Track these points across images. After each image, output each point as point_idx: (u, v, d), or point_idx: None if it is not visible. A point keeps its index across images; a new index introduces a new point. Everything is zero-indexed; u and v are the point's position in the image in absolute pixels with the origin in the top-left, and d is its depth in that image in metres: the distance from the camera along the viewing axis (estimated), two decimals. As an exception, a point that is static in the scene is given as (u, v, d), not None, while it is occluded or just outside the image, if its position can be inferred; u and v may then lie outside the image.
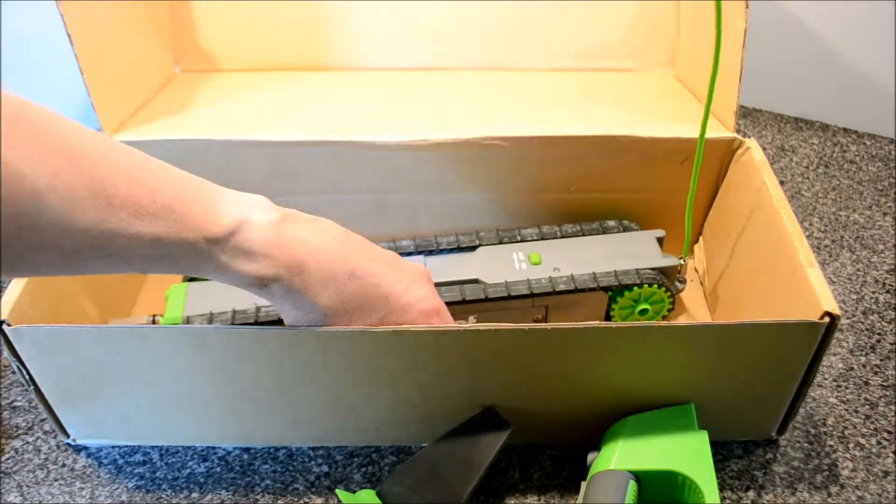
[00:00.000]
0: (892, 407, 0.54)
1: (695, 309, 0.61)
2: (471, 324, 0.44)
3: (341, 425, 0.50)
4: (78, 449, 0.52)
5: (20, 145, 0.28)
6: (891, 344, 0.59)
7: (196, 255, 0.35)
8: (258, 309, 0.52)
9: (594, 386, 0.47)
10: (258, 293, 0.38)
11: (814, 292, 0.43)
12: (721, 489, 0.49)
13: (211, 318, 0.51)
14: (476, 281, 0.55)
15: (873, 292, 0.63)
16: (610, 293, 0.55)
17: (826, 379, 0.56)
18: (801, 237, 0.48)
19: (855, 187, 0.75)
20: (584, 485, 0.45)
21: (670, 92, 0.66)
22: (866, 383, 0.56)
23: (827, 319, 0.42)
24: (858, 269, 0.66)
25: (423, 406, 0.47)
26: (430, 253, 0.58)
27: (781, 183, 0.75)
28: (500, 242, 0.58)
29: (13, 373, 0.57)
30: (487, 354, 0.44)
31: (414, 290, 0.42)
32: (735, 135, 0.57)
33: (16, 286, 0.45)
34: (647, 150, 0.58)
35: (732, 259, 0.57)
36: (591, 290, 0.54)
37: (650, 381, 0.46)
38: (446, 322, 0.45)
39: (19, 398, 0.55)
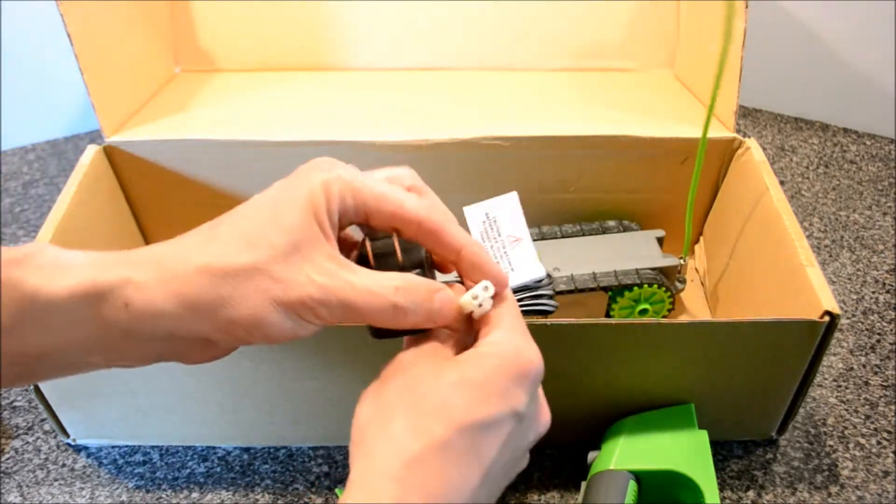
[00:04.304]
0: (892, 407, 0.54)
1: (695, 309, 0.61)
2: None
3: (341, 425, 0.50)
4: (78, 449, 0.52)
5: None
6: (891, 344, 0.59)
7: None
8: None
9: (594, 385, 0.47)
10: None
11: (814, 292, 0.43)
12: (721, 489, 0.49)
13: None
14: (476, 281, 0.55)
15: (873, 292, 0.63)
16: (610, 293, 0.55)
17: (826, 379, 0.56)
18: (801, 237, 0.48)
19: (855, 187, 0.75)
20: (584, 485, 0.45)
21: (670, 92, 0.66)
22: (866, 383, 0.56)
23: (827, 318, 0.42)
24: (858, 269, 0.66)
25: (423, 406, 0.47)
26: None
27: (781, 183, 0.75)
28: (500, 242, 0.58)
29: (13, 373, 0.57)
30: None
31: None
32: (735, 135, 0.57)
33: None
34: (647, 150, 0.58)
35: (732, 259, 0.57)
36: (591, 290, 0.54)
37: (650, 380, 0.46)
38: None
39: (19, 398, 0.55)
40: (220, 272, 0.28)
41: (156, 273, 0.28)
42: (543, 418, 0.32)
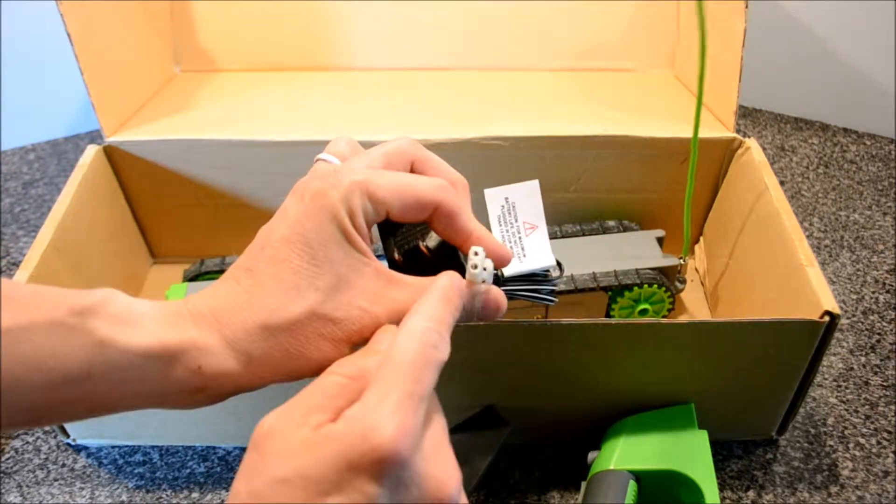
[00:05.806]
0: (892, 407, 0.54)
1: (695, 309, 0.61)
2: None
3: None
4: (78, 449, 0.52)
5: None
6: (891, 344, 0.59)
7: (63, 335, 0.26)
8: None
9: (594, 385, 0.47)
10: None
11: (814, 291, 0.43)
12: (721, 489, 0.49)
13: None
14: (476, 281, 0.55)
15: (873, 292, 0.63)
16: (610, 293, 0.55)
17: (826, 379, 0.56)
18: (801, 237, 0.48)
19: (855, 187, 0.75)
20: (584, 485, 0.45)
21: (670, 92, 0.66)
22: (866, 383, 0.56)
23: (827, 318, 0.42)
24: (858, 269, 0.66)
25: (423, 406, 0.47)
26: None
27: (781, 183, 0.75)
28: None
29: (13, 373, 0.57)
30: (486, 352, 0.44)
31: None
32: (735, 135, 0.57)
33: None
34: (647, 150, 0.58)
35: (732, 259, 0.57)
36: (591, 290, 0.54)
37: (650, 380, 0.46)
38: None
39: (19, 398, 0.55)
40: (279, 328, 0.28)
41: (219, 334, 0.28)
42: (436, 494, 0.25)
